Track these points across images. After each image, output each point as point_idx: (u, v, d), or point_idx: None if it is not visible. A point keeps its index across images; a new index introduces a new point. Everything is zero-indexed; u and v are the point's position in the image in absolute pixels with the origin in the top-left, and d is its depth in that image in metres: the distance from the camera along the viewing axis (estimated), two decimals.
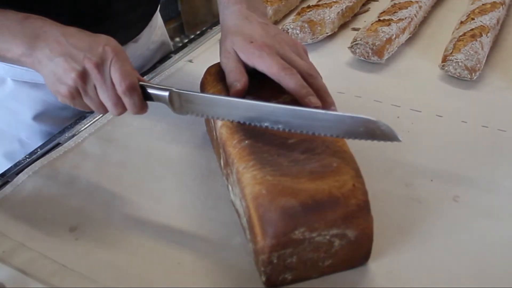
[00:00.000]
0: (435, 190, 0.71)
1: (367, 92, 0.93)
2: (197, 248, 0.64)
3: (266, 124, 0.62)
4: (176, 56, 1.04)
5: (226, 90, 0.69)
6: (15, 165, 0.78)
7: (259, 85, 0.69)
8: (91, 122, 0.86)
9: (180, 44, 1.13)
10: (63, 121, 0.92)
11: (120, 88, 0.64)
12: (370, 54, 0.98)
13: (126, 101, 0.65)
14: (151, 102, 0.67)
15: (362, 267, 0.61)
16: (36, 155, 0.80)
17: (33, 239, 0.66)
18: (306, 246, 0.56)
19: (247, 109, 0.63)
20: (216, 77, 0.73)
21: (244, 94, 0.68)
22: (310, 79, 0.68)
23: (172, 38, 2.86)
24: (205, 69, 0.77)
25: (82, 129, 0.85)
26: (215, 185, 0.73)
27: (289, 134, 0.62)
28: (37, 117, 0.94)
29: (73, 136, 0.83)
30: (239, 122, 0.64)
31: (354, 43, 1.00)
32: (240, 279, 0.60)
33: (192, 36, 1.12)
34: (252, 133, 0.63)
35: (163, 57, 1.06)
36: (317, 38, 1.05)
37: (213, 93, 0.69)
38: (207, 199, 0.71)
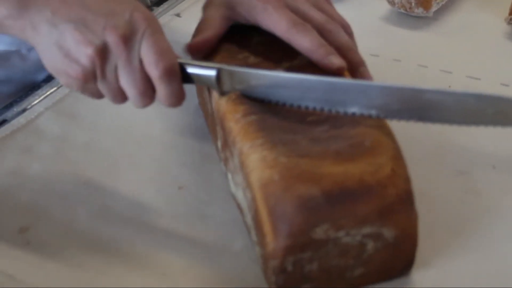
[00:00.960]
0: (498, 180, 0.71)
1: (409, 55, 0.92)
2: (187, 254, 0.64)
3: (353, 110, 0.60)
4: (160, 9, 1.04)
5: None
6: None
7: (264, 47, 0.69)
8: (48, 92, 0.86)
9: None
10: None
11: (156, 71, 0.60)
12: (413, 4, 0.98)
13: (162, 88, 0.61)
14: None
15: (403, 278, 0.60)
16: None
17: None
18: (331, 249, 0.55)
19: (329, 89, 0.60)
20: None
21: (242, 60, 0.69)
22: (330, 35, 0.68)
23: None
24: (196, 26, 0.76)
25: (36, 102, 0.84)
26: (210, 174, 0.73)
27: (310, 111, 0.61)
28: None
29: (23, 111, 0.83)
30: (244, 96, 0.64)
31: None
32: None
33: None
34: (261, 107, 0.62)
35: None
36: None
37: (278, 71, 0.66)
38: (200, 191, 0.71)
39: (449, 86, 0.85)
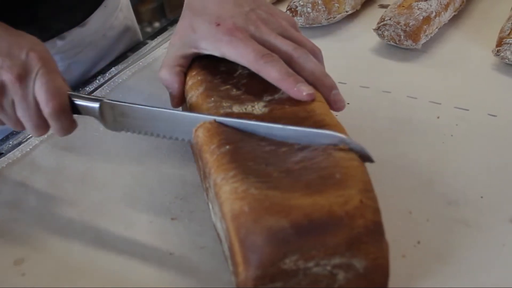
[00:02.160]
0: (487, 210, 0.71)
1: (399, 86, 0.93)
2: (179, 285, 0.65)
3: None
4: (153, 43, 1.06)
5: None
6: None
7: (248, 79, 0.71)
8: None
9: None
10: None
11: (46, 109, 0.67)
12: (402, 37, 0.99)
13: (53, 124, 0.68)
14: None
15: None
16: None
17: None
18: (301, 279, 0.56)
19: (194, 124, 0.66)
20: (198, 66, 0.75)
21: (224, 91, 0.70)
22: (299, 63, 0.69)
23: (150, 22, 2.89)
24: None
25: (31, 135, 0.85)
26: (202, 205, 0.73)
27: (283, 142, 0.63)
28: None
29: (19, 144, 0.84)
30: (221, 125, 0.66)
31: (382, 23, 1.00)
32: None
33: (174, 19, 1.12)
34: (236, 137, 0.64)
35: (135, 45, 1.08)
36: (334, 18, 1.06)
37: (153, 106, 0.70)
38: (191, 222, 0.72)
39: (438, 117, 0.86)
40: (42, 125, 0.69)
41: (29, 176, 0.79)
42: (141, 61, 1.00)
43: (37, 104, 0.67)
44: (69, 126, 0.70)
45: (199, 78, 0.73)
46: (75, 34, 0.99)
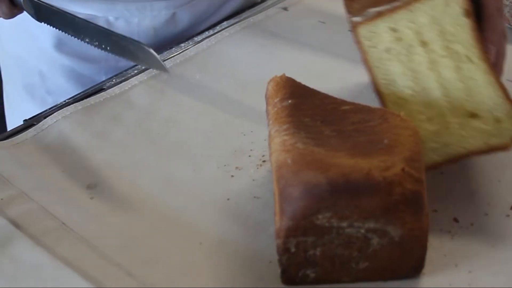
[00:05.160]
0: None
1: None
2: (228, 229, 0.66)
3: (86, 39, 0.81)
4: (268, 2, 1.07)
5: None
6: (50, 108, 0.85)
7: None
8: (146, 68, 0.91)
9: None
10: (88, 58, 1.00)
11: None
12: None
13: None
14: None
15: (411, 280, 0.60)
16: (72, 98, 0.86)
17: (40, 190, 0.71)
18: (334, 238, 0.56)
19: (69, 23, 0.81)
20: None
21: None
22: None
23: None
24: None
25: (132, 74, 0.90)
26: (267, 157, 0.74)
27: (345, 100, 0.63)
28: (59, 47, 1.01)
29: (120, 82, 0.89)
30: (290, 79, 0.66)
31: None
32: (263, 273, 0.61)
33: None
34: (301, 92, 0.65)
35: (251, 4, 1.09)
36: None
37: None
38: (256, 173, 0.74)
39: None
40: None
41: (122, 111, 0.84)
42: (251, 17, 1.01)
43: None
44: (7, 11, 0.84)
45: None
46: None
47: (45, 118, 0.82)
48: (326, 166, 0.55)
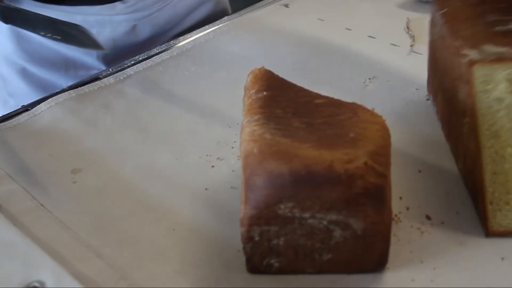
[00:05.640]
0: None
1: None
2: (202, 217, 0.67)
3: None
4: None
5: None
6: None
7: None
8: (143, 59, 0.93)
9: None
10: (47, 64, 1.01)
11: None
12: None
13: None
14: None
15: (375, 274, 0.60)
16: (68, 86, 0.88)
17: (24, 172, 0.73)
18: (297, 228, 0.56)
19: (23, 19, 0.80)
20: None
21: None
22: None
23: None
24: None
25: (129, 65, 0.92)
26: None
27: (320, 94, 0.63)
28: (18, 52, 1.01)
29: (116, 72, 0.91)
30: (269, 72, 0.67)
31: None
32: (230, 261, 0.62)
33: None
34: (277, 85, 0.65)
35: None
36: None
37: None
38: (236, 164, 0.74)
39: None
40: None
41: (114, 100, 0.85)
42: (251, 12, 1.03)
43: None
44: None
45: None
46: None
47: (39, 104, 0.84)
48: (290, 157, 0.55)
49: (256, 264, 0.59)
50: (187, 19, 1.08)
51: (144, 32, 1.03)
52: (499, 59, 0.60)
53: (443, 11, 0.72)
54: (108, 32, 1.00)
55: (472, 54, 0.61)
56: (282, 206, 0.55)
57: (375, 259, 0.59)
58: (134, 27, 1.02)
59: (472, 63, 0.60)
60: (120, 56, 0.98)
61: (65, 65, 0.96)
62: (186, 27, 1.07)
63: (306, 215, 0.56)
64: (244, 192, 0.57)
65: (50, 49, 0.93)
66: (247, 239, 0.58)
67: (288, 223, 0.56)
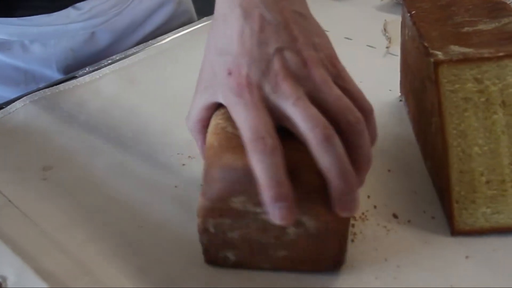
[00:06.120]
0: None
1: None
2: (170, 215, 0.67)
3: None
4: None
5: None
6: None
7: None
8: (120, 59, 0.93)
9: None
10: (6, 80, 0.99)
11: None
12: None
13: None
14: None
15: (330, 275, 0.60)
16: (44, 85, 0.88)
17: None
18: (251, 223, 0.57)
19: None
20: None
21: None
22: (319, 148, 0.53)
23: None
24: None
25: (106, 64, 0.92)
26: None
27: None
28: None
29: (93, 71, 0.91)
30: None
31: None
32: (193, 256, 0.62)
33: None
34: None
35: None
36: None
37: None
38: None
39: None
40: None
41: (89, 99, 0.85)
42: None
43: None
44: None
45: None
46: (93, 4, 0.98)
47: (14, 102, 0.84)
48: (244, 152, 0.55)
49: (212, 256, 0.60)
50: (148, 22, 1.06)
51: (103, 39, 1.01)
52: (466, 59, 0.61)
53: (412, 12, 0.73)
54: (65, 42, 0.98)
55: (439, 54, 0.62)
56: (235, 200, 0.56)
57: (331, 259, 0.59)
58: (92, 35, 1.00)
59: (439, 63, 0.61)
60: (81, 66, 0.96)
61: (24, 79, 0.94)
62: (148, 31, 1.06)
63: (259, 210, 0.55)
64: (202, 182, 0.57)
65: (6, 64, 0.92)
66: (203, 230, 0.58)
67: (242, 217, 0.56)
